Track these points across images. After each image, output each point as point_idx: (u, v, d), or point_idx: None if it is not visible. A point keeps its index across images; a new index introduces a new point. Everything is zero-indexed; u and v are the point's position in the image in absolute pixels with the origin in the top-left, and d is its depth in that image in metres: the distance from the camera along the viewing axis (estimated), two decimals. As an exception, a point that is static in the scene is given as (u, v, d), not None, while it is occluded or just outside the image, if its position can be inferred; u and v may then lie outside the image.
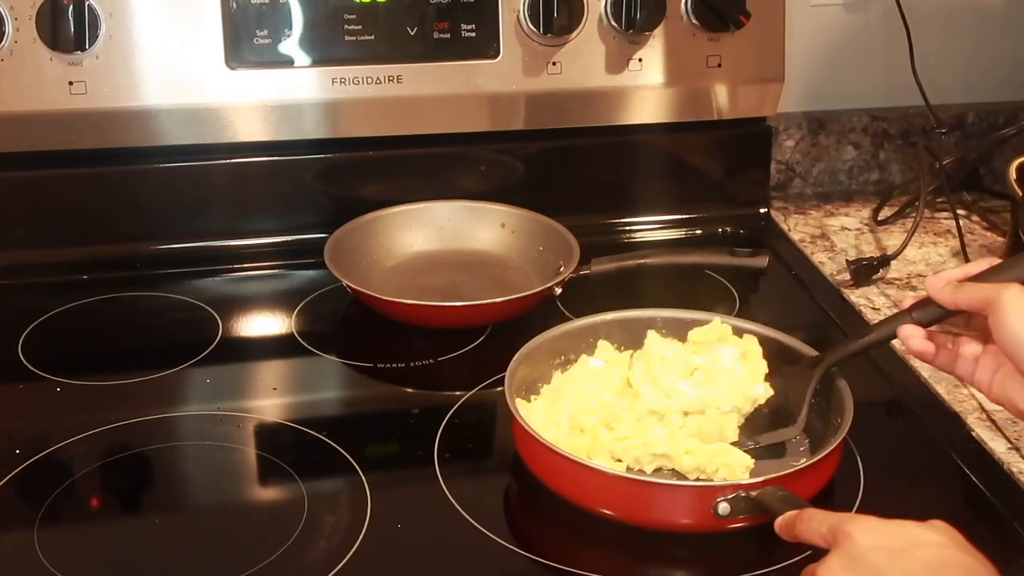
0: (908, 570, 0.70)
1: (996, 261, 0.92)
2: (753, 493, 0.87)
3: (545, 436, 0.95)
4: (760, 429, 1.00)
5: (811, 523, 0.78)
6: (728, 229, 1.48)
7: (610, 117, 1.41)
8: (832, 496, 0.96)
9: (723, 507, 0.87)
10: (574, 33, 1.34)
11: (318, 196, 1.39)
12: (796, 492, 0.87)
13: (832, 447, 0.92)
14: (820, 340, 1.23)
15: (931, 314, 0.93)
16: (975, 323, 0.92)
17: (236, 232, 1.38)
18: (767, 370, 1.01)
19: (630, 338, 1.08)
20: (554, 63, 1.36)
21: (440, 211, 1.38)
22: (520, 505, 0.98)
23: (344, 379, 1.18)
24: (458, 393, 1.10)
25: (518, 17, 1.33)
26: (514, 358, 1.02)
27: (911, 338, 0.94)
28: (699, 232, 1.47)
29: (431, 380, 1.16)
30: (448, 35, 1.33)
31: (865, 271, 1.33)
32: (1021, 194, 1.35)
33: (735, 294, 1.30)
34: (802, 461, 0.94)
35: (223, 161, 1.36)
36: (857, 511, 0.94)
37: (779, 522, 0.82)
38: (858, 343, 0.99)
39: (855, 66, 1.57)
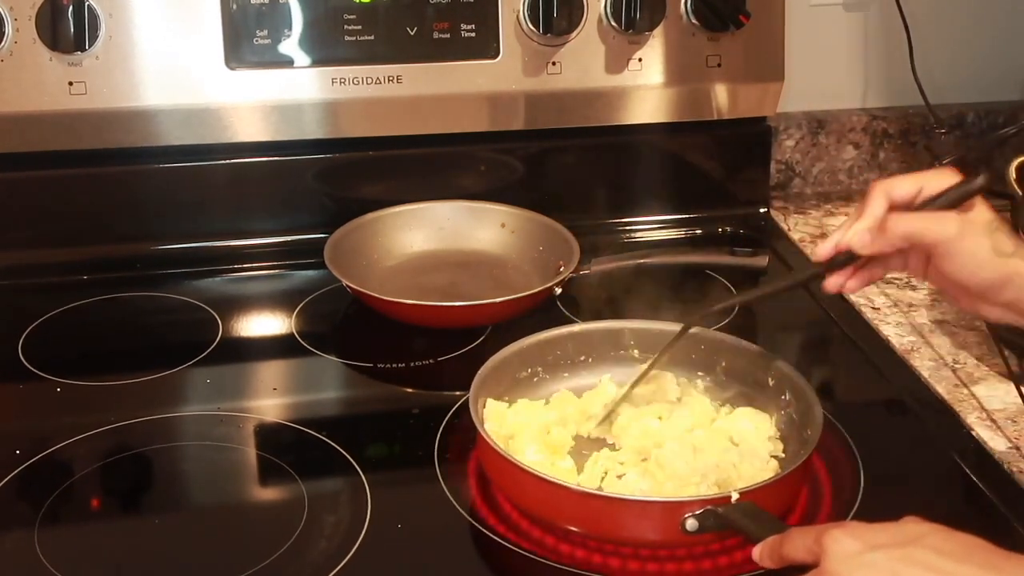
0: (923, 563, 0.68)
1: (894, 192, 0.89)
2: (720, 509, 0.85)
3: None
4: None
5: (796, 540, 0.76)
6: (728, 229, 1.48)
7: (610, 117, 1.41)
8: (832, 497, 0.96)
9: (691, 523, 0.85)
10: (574, 33, 1.34)
11: (318, 196, 1.39)
12: (766, 506, 0.85)
13: (801, 461, 0.91)
14: (820, 340, 1.24)
15: (842, 260, 0.91)
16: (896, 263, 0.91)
17: (236, 232, 1.38)
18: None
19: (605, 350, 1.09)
20: (554, 63, 1.36)
21: (440, 211, 1.38)
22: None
23: (344, 379, 1.18)
24: (458, 393, 1.10)
25: (518, 17, 1.33)
26: (489, 360, 1.03)
27: (835, 286, 0.92)
28: (699, 232, 1.47)
29: (431, 380, 1.16)
30: (448, 35, 1.33)
31: (865, 271, 1.33)
32: (1021, 194, 1.35)
33: (735, 294, 1.30)
34: (770, 476, 0.93)
35: (223, 161, 1.36)
36: (857, 511, 0.94)
37: (761, 549, 0.80)
38: (750, 295, 0.97)
39: (855, 66, 1.57)
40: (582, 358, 1.09)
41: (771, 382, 1.03)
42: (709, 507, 0.85)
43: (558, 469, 0.96)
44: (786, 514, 0.92)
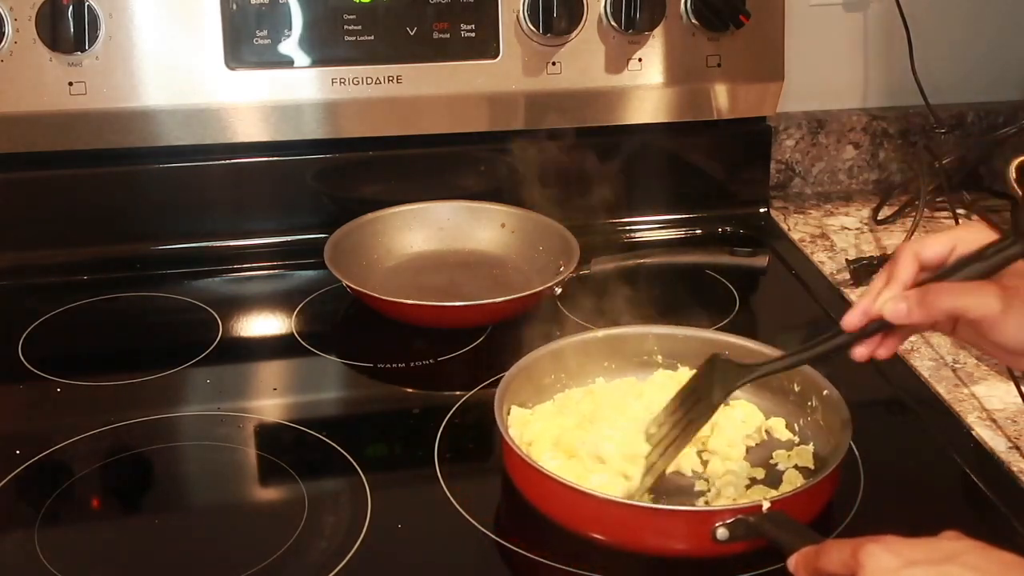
0: None
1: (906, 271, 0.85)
2: (751, 518, 0.85)
3: (539, 445, 0.96)
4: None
5: (832, 553, 0.74)
6: (728, 229, 1.48)
7: (610, 117, 1.41)
8: (832, 498, 0.96)
9: (721, 532, 0.85)
10: (574, 33, 1.34)
11: (318, 196, 1.39)
12: (797, 515, 0.85)
13: (830, 470, 0.91)
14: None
15: (874, 328, 0.86)
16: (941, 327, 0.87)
17: (236, 232, 1.38)
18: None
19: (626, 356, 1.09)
20: (554, 63, 1.36)
21: (440, 211, 1.38)
22: (521, 505, 0.98)
23: (344, 379, 1.18)
24: (458, 393, 1.10)
25: (518, 17, 1.33)
26: (514, 366, 1.03)
27: (864, 356, 0.87)
28: (699, 232, 1.47)
29: (431, 380, 1.16)
30: (448, 35, 1.33)
31: (865, 271, 1.33)
32: (1021, 193, 1.35)
33: (735, 294, 1.30)
34: (799, 484, 0.93)
35: (223, 161, 1.36)
36: (857, 512, 0.94)
37: (796, 560, 0.78)
38: (790, 359, 0.92)
39: (855, 66, 1.57)
40: (606, 363, 1.09)
41: (796, 388, 1.03)
42: (740, 516, 0.85)
43: (577, 477, 0.95)
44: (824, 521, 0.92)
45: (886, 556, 0.70)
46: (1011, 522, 0.94)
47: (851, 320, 0.86)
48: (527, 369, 1.04)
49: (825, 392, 0.99)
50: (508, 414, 1.00)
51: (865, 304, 0.85)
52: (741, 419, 1.02)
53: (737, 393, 1.03)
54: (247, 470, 1.04)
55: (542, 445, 0.97)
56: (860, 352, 0.86)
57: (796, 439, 1.02)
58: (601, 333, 1.10)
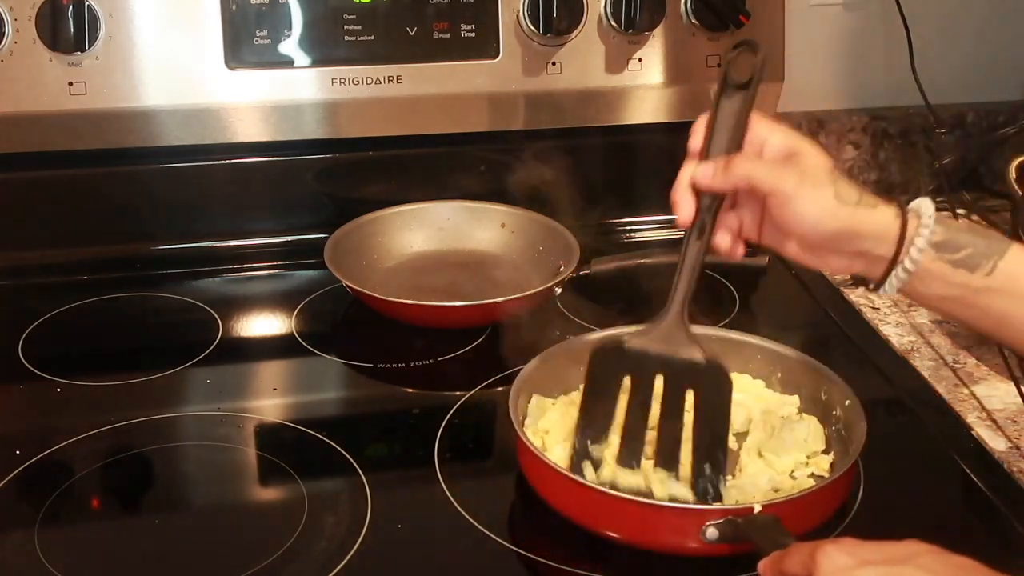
0: None
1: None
2: (740, 520, 0.84)
3: (553, 435, 0.96)
4: None
5: (794, 555, 0.75)
6: (728, 229, 1.48)
7: (610, 117, 1.41)
8: (834, 510, 0.95)
9: (711, 532, 0.85)
10: (574, 33, 1.34)
11: (318, 196, 1.39)
12: (798, 520, 0.85)
13: (832, 479, 0.91)
14: (820, 340, 1.24)
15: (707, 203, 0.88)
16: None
17: (236, 232, 1.38)
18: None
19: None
20: (554, 63, 1.36)
21: (440, 211, 1.38)
22: (521, 505, 0.98)
23: (344, 379, 1.18)
24: (458, 393, 1.10)
25: (518, 17, 1.33)
26: (537, 357, 1.03)
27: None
28: (699, 232, 1.47)
29: (431, 380, 1.16)
30: (448, 35, 1.33)
31: (865, 271, 1.33)
32: (1021, 193, 1.35)
33: (735, 294, 1.30)
34: (805, 487, 0.93)
35: (223, 161, 1.36)
36: (857, 512, 0.94)
37: (765, 563, 0.79)
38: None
39: (855, 66, 1.57)
40: None
41: (823, 396, 1.02)
42: (730, 517, 0.85)
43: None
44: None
45: (841, 556, 0.71)
46: (1011, 522, 0.94)
47: (683, 213, 0.88)
48: (550, 360, 1.04)
49: (848, 402, 0.98)
50: (529, 402, 1.00)
51: (682, 180, 0.88)
52: (804, 439, 1.00)
53: (794, 409, 1.04)
54: (247, 470, 1.04)
55: (556, 436, 0.98)
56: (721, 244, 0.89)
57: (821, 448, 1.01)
58: (631, 329, 1.09)
